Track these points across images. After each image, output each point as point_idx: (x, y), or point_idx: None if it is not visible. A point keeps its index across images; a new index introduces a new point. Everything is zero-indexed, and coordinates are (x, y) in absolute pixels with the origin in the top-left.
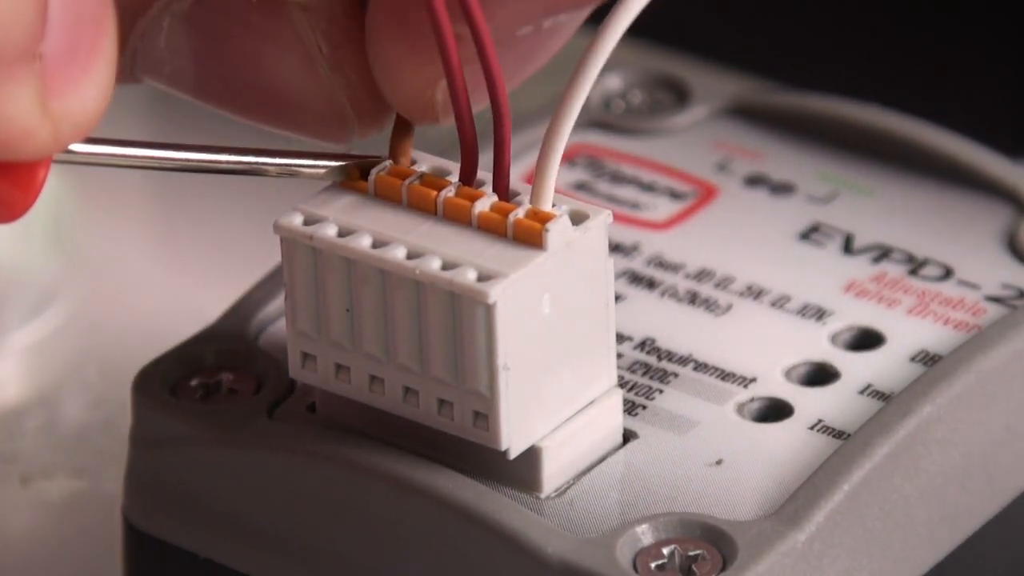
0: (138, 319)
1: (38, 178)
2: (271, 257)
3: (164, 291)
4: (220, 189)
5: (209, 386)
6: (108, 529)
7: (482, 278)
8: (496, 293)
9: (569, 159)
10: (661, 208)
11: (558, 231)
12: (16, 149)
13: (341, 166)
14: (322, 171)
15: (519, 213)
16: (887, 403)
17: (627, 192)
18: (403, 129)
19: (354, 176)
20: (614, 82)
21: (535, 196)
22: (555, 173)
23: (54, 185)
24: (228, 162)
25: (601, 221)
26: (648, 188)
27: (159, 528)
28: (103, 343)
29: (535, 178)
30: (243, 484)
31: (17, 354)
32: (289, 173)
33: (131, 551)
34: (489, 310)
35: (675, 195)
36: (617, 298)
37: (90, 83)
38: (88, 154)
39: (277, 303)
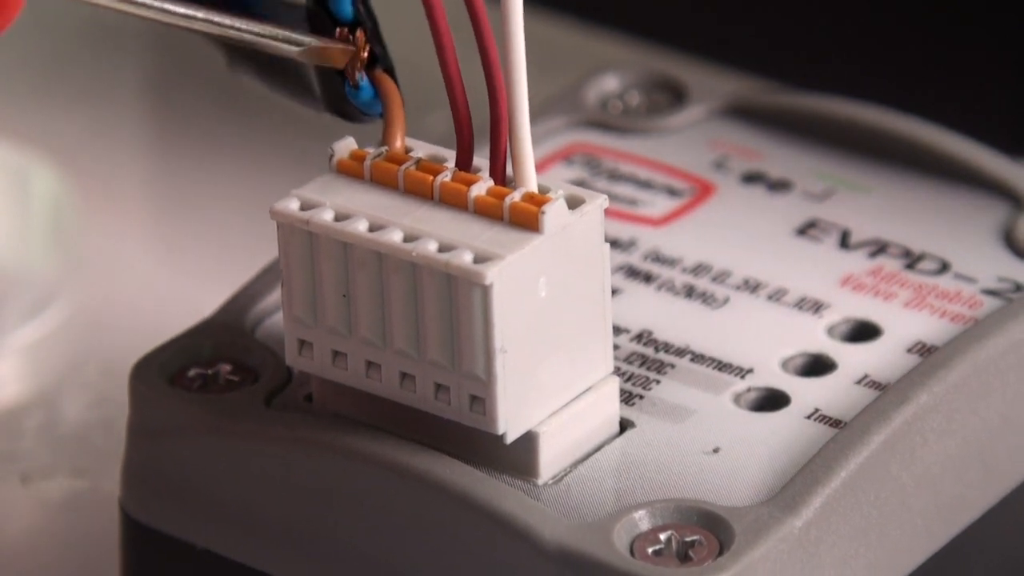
0: (138, 318)
1: None
2: (270, 256)
3: (164, 290)
4: (220, 189)
5: (207, 376)
6: (108, 528)
7: (478, 260)
8: (492, 274)
9: (567, 158)
10: (658, 205)
11: (554, 214)
12: None
13: (316, 47)
14: (295, 50)
15: (515, 196)
16: (884, 392)
17: (624, 189)
18: (394, 115)
19: (326, 59)
20: (611, 83)
21: (518, 178)
22: (530, 151)
23: (54, 185)
24: (203, 20)
25: (597, 205)
26: (645, 185)
27: (157, 518)
28: (103, 342)
29: (513, 161)
30: (241, 473)
31: (17, 354)
32: (260, 46)
33: (129, 542)
34: (486, 291)
35: (672, 192)
36: (614, 291)
37: None
38: None
39: (274, 296)
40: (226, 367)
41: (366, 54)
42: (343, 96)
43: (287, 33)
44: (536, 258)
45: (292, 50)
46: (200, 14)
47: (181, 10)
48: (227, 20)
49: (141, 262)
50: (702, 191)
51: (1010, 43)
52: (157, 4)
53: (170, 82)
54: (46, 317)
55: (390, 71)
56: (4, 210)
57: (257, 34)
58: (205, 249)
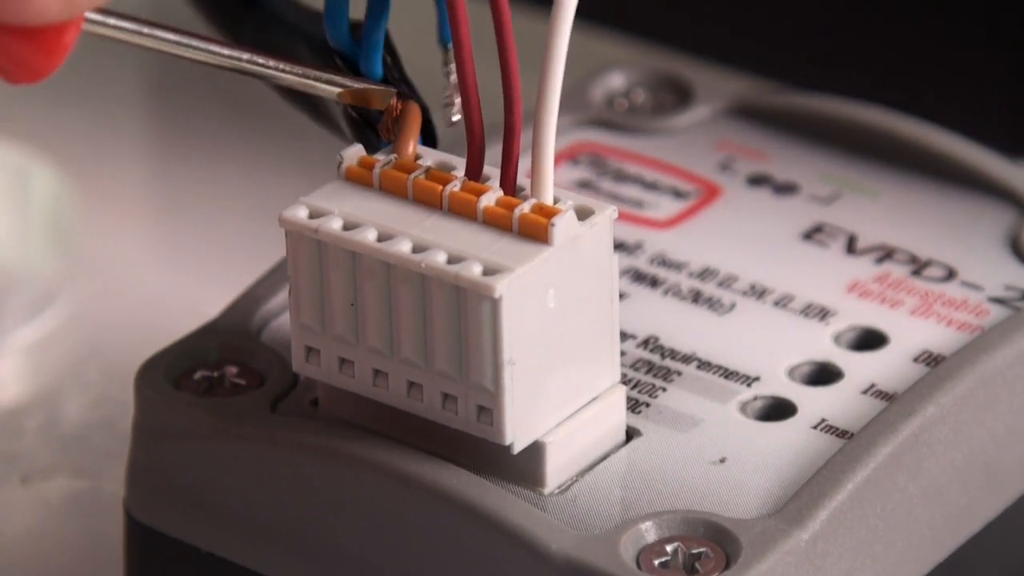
0: (138, 318)
1: (64, 42)
2: (271, 257)
3: (164, 290)
4: (220, 188)
5: (212, 380)
6: (109, 529)
7: (487, 272)
8: (502, 287)
9: (572, 157)
10: (664, 207)
11: (564, 226)
12: (29, 12)
13: (359, 89)
14: (336, 91)
15: (525, 208)
16: (890, 403)
17: (630, 191)
18: (409, 124)
19: (367, 101)
20: (617, 81)
21: (535, 188)
22: (551, 163)
23: (54, 185)
24: (248, 60)
25: (607, 217)
26: (651, 187)
27: (161, 521)
28: (103, 342)
29: (532, 171)
30: (245, 478)
31: (17, 354)
32: (303, 87)
33: (133, 544)
34: (495, 304)
35: (678, 194)
36: (620, 296)
37: None
38: (112, 26)
39: (280, 298)
40: (232, 369)
41: (398, 114)
42: (377, 147)
43: (327, 75)
44: (545, 270)
45: (332, 91)
46: (245, 56)
47: (227, 52)
48: (271, 62)
49: (141, 262)
50: (708, 193)
51: (1010, 43)
52: (203, 46)
53: (170, 82)
54: (46, 317)
55: (424, 112)
56: (4, 210)
57: (298, 75)
58: (205, 249)
